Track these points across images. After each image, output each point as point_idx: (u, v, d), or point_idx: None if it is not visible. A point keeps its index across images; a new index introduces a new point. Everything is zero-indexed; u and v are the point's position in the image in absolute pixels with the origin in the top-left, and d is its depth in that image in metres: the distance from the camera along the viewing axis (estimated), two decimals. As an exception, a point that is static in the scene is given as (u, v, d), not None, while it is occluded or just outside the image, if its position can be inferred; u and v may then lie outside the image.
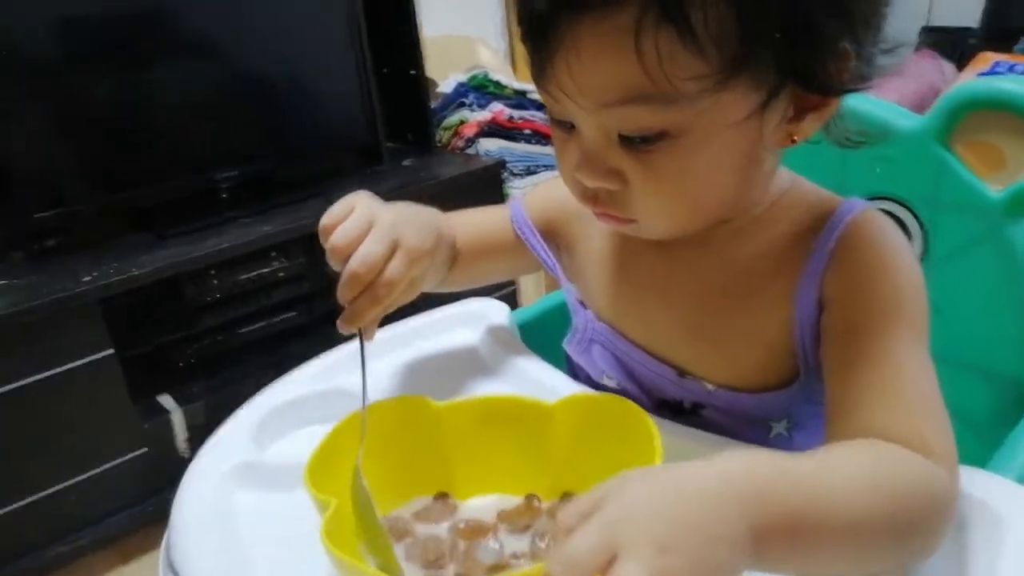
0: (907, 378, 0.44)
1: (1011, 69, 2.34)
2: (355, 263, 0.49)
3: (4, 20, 1.42)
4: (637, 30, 0.39)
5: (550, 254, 0.64)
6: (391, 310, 0.55)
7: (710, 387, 0.55)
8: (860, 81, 0.45)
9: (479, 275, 0.67)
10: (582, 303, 0.63)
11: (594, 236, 0.61)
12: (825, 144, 0.53)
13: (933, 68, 2.56)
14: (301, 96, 1.86)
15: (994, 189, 0.60)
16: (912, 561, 0.40)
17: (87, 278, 1.43)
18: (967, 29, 2.65)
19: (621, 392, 0.59)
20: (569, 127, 0.47)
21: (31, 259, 1.56)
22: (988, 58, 2.38)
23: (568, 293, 0.65)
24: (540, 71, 0.45)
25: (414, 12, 1.97)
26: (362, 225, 0.51)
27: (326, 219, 0.52)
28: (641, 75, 0.40)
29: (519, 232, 0.65)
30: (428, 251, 0.54)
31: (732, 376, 0.54)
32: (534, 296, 2.09)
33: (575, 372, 0.65)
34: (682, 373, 0.56)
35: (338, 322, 0.52)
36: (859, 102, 0.65)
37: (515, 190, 2.19)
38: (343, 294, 0.51)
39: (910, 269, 0.48)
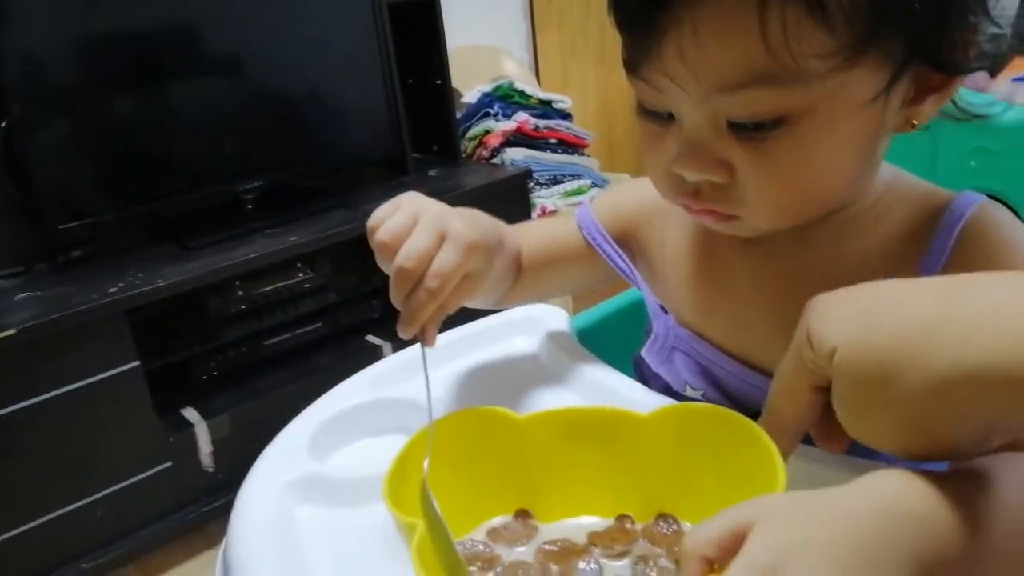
0: None
1: (1046, 76, 2.31)
2: (401, 257, 0.47)
3: (31, 35, 1.42)
4: (762, 4, 0.36)
5: (626, 260, 0.61)
6: (451, 311, 0.51)
7: None
8: (984, 60, 0.42)
9: (545, 287, 0.64)
10: (663, 308, 0.60)
11: (671, 236, 0.58)
12: (915, 137, 0.49)
13: (964, 74, 2.52)
14: (326, 106, 1.85)
15: (1101, 185, 0.56)
16: None
17: (113, 289, 1.41)
18: (1001, 35, 2.62)
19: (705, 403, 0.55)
20: (666, 117, 0.44)
21: (57, 270, 1.55)
22: (1021, 64, 2.34)
23: (648, 299, 0.61)
24: (643, 58, 0.41)
25: (440, 23, 1.96)
26: (407, 220, 0.48)
27: (372, 219, 0.50)
28: (764, 54, 0.37)
29: (590, 239, 0.61)
30: (480, 243, 0.50)
31: None
32: (568, 304, 2.05)
33: (646, 382, 0.62)
34: None
35: (397, 326, 0.49)
36: (958, 95, 0.62)
37: (541, 200, 2.16)
38: (395, 293, 0.48)
39: None
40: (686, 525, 0.44)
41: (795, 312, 0.50)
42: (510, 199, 1.98)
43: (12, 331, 1.28)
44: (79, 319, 1.34)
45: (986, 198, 0.48)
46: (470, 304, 0.58)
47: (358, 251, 1.75)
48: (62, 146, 1.50)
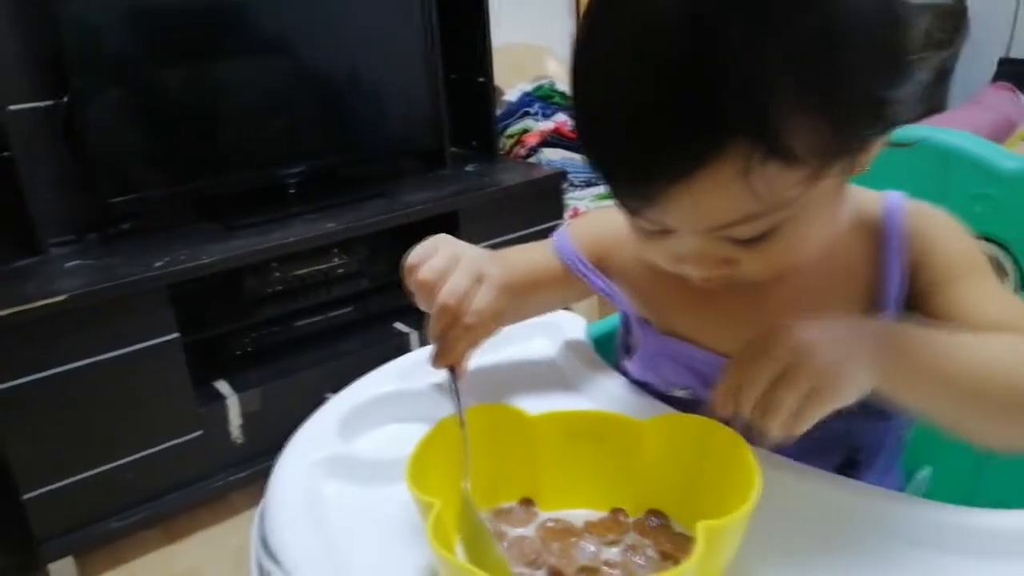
0: (1015, 303, 0.52)
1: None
2: (444, 295, 0.52)
3: (87, 10, 1.47)
4: (746, 171, 0.40)
5: (605, 281, 0.65)
6: (479, 346, 0.56)
7: None
8: (917, 112, 0.47)
9: (529, 310, 0.68)
10: (646, 320, 0.64)
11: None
12: (924, 181, 0.59)
13: (1010, 100, 2.50)
14: (370, 97, 1.89)
15: (1097, 236, 0.59)
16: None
17: (158, 263, 1.48)
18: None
19: (694, 400, 0.61)
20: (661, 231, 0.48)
21: (106, 242, 1.62)
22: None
23: (630, 314, 0.66)
24: (634, 210, 0.46)
25: (487, 20, 2.00)
26: (447, 262, 0.53)
27: (412, 259, 0.54)
28: (751, 200, 0.42)
29: (570, 266, 0.65)
30: (510, 283, 0.56)
31: None
32: (585, 313, 2.09)
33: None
34: None
35: (430, 359, 0.54)
36: (964, 141, 0.65)
37: (574, 201, 2.20)
38: (434, 328, 0.53)
39: (963, 230, 0.56)
40: (674, 522, 0.49)
41: (773, 301, 0.55)
42: (544, 198, 2.01)
43: (63, 296, 1.35)
44: (125, 290, 1.42)
45: (902, 193, 0.57)
46: None
47: (392, 240, 1.82)
48: (117, 120, 1.57)
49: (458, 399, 0.51)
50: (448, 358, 0.53)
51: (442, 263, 0.53)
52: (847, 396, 0.43)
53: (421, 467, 0.45)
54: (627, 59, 0.40)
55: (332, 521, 0.51)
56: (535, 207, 1.95)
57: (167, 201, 1.70)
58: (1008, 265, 0.64)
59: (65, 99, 1.53)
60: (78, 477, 1.44)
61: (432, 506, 0.41)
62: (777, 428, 0.42)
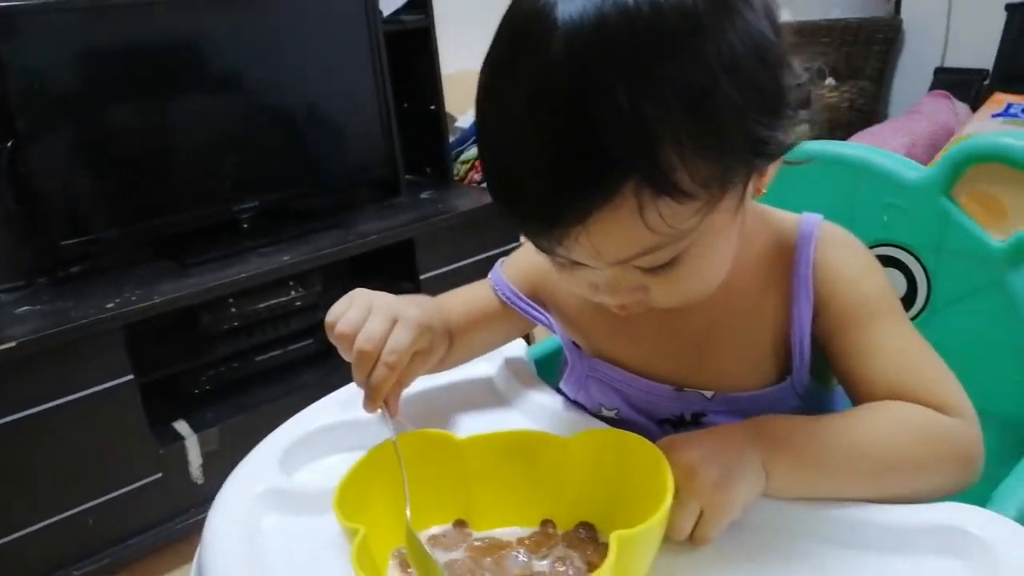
0: (918, 354, 0.54)
1: (1024, 111, 2.38)
2: (360, 341, 0.55)
3: (33, 51, 1.48)
4: (640, 209, 0.43)
5: (541, 311, 0.68)
6: (407, 385, 0.59)
7: (709, 394, 0.60)
8: (805, 135, 0.51)
9: (478, 347, 0.70)
10: (576, 344, 0.67)
11: None
12: (837, 193, 0.65)
13: (947, 108, 2.59)
14: (322, 129, 1.91)
15: (996, 238, 0.62)
16: (932, 495, 0.49)
17: (110, 304, 1.47)
18: (981, 71, 2.68)
19: (620, 419, 0.64)
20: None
21: (57, 284, 1.61)
22: (1001, 99, 2.41)
23: (563, 339, 0.68)
24: (550, 252, 0.48)
25: (435, 51, 2.03)
26: (362, 311, 0.56)
27: (330, 316, 0.57)
28: (648, 235, 0.44)
29: (506, 299, 0.68)
30: (427, 322, 0.58)
31: (731, 381, 0.59)
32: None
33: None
34: (680, 388, 0.61)
35: (363, 403, 0.56)
36: (872, 154, 0.69)
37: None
38: (356, 375, 0.55)
39: (877, 265, 0.58)
40: (601, 533, 0.51)
41: (695, 333, 0.57)
42: (499, 223, 2.04)
43: (12, 344, 1.34)
44: (77, 333, 1.40)
45: (820, 216, 0.59)
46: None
47: (349, 270, 1.82)
48: (65, 163, 1.56)
49: (395, 439, 0.52)
50: (377, 401, 0.55)
51: (357, 314, 0.56)
52: (734, 510, 0.47)
53: (350, 495, 0.46)
54: (523, 115, 0.43)
55: (270, 554, 0.51)
56: (490, 232, 1.97)
57: (120, 241, 1.68)
58: (916, 269, 0.67)
59: (10, 143, 1.52)
60: (36, 526, 1.42)
61: (356, 532, 0.42)
62: (690, 542, 0.47)
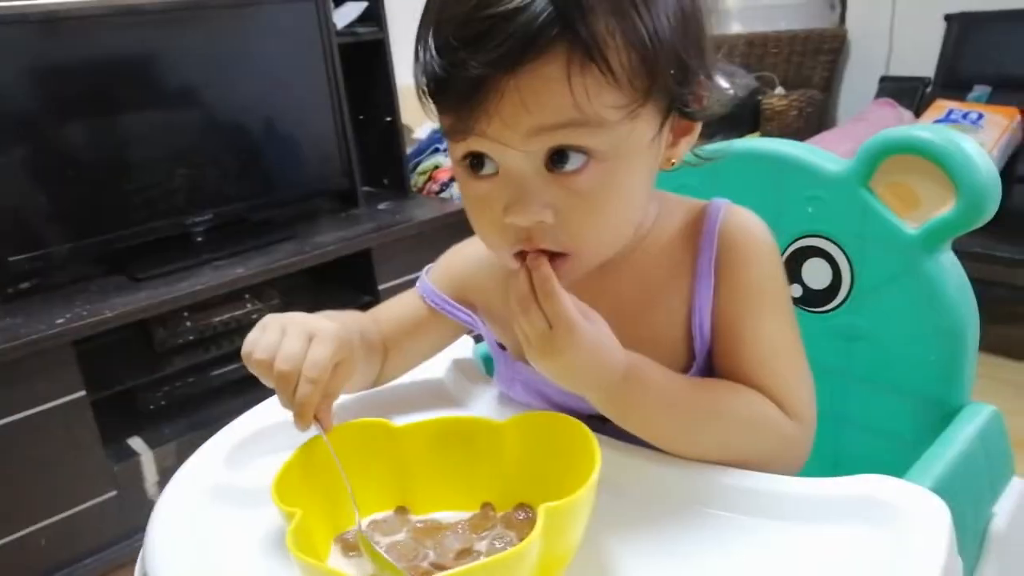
0: (783, 354, 0.58)
1: (964, 116, 2.46)
2: (278, 363, 0.54)
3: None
4: (568, 74, 0.46)
5: (468, 313, 0.69)
6: (335, 398, 0.58)
7: None
8: (718, 109, 0.55)
9: (414, 356, 0.71)
10: (501, 346, 0.68)
11: (503, 283, 0.64)
12: (765, 188, 0.66)
13: (892, 115, 2.67)
14: (278, 141, 1.91)
15: (911, 226, 0.66)
16: (744, 466, 0.54)
17: (60, 320, 1.45)
18: (923, 79, 2.77)
19: None
20: (492, 174, 0.52)
21: (5, 301, 1.58)
22: (943, 106, 2.49)
23: (489, 342, 0.69)
24: (469, 126, 0.49)
25: (389, 63, 2.05)
26: (276, 334, 0.56)
27: (245, 347, 0.57)
28: (572, 108, 0.47)
29: (434, 305, 0.69)
30: (344, 334, 0.58)
31: None
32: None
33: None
34: None
35: (294, 422, 0.55)
36: (795, 149, 0.72)
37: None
38: (281, 397, 0.55)
39: (774, 254, 0.60)
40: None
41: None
42: (457, 232, 2.00)
43: (-41, 362, 1.32)
44: (26, 350, 1.38)
45: (729, 201, 0.61)
46: (351, 390, 0.67)
47: (307, 282, 1.82)
48: (13, 177, 1.54)
49: (334, 453, 0.53)
50: (307, 417, 0.54)
51: (272, 338, 0.55)
52: (577, 353, 0.50)
53: (289, 483, 0.47)
54: None
55: (215, 547, 0.52)
56: (448, 241, 1.94)
57: (71, 256, 1.67)
58: (840, 258, 0.70)
59: (-45, 160, 1.50)
60: (-15, 549, 1.39)
61: (293, 515, 0.43)
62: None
